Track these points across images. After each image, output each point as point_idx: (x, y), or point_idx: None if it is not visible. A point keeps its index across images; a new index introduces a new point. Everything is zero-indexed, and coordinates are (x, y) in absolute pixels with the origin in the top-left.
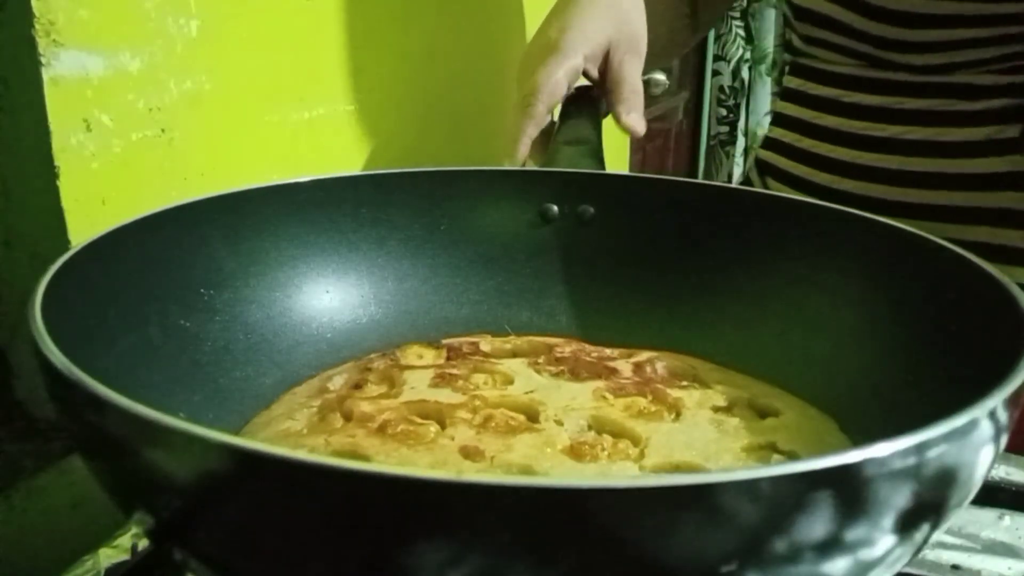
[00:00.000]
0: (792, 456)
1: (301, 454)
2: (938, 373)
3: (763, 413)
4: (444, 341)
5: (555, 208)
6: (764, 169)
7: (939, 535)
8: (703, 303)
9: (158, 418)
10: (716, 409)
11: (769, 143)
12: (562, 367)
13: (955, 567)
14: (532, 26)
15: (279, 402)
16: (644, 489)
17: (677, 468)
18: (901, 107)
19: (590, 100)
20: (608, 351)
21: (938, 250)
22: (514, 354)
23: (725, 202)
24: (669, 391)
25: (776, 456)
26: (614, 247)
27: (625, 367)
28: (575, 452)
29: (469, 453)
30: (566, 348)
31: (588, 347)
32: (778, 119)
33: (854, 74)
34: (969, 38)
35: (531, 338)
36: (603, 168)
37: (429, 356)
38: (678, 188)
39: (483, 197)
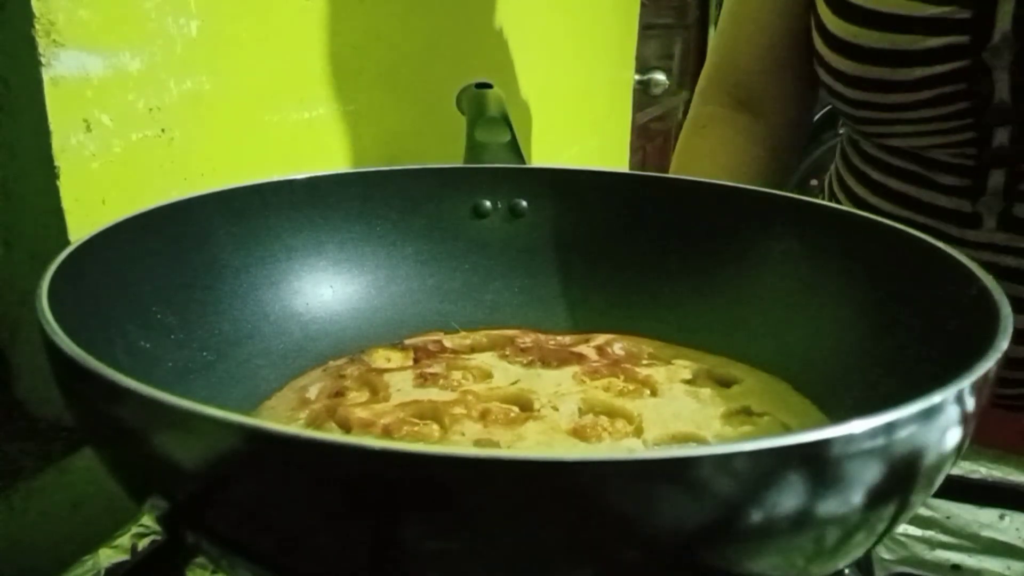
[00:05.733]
0: (768, 416)
1: (321, 434)
2: (914, 362)
3: (723, 382)
4: (407, 342)
5: (487, 203)
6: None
7: (939, 535)
8: (640, 286)
9: (178, 403)
10: (684, 382)
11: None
12: (531, 356)
13: (955, 567)
14: (531, 26)
15: (260, 418)
16: (676, 460)
17: (676, 438)
18: (890, 162)
19: (496, 98)
20: (560, 338)
21: (898, 234)
22: (472, 349)
23: (651, 189)
24: (637, 370)
25: (755, 418)
26: (550, 238)
27: (589, 351)
28: (580, 434)
29: (484, 446)
30: (526, 338)
31: (542, 336)
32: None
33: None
34: (921, 131)
35: (488, 331)
36: (524, 162)
37: (397, 358)
38: (605, 178)
39: (416, 196)
